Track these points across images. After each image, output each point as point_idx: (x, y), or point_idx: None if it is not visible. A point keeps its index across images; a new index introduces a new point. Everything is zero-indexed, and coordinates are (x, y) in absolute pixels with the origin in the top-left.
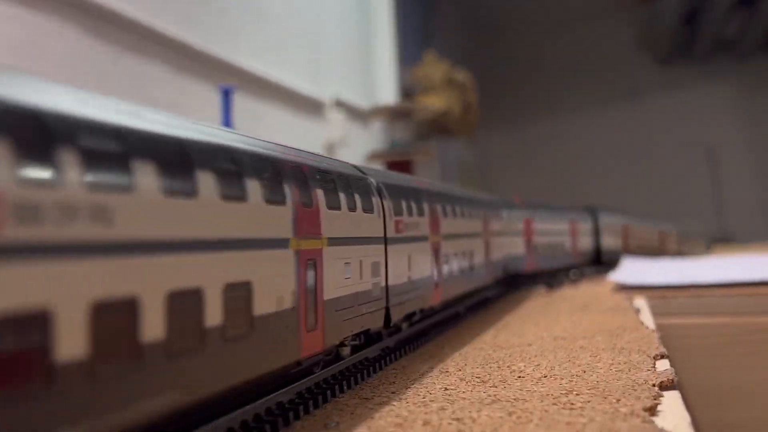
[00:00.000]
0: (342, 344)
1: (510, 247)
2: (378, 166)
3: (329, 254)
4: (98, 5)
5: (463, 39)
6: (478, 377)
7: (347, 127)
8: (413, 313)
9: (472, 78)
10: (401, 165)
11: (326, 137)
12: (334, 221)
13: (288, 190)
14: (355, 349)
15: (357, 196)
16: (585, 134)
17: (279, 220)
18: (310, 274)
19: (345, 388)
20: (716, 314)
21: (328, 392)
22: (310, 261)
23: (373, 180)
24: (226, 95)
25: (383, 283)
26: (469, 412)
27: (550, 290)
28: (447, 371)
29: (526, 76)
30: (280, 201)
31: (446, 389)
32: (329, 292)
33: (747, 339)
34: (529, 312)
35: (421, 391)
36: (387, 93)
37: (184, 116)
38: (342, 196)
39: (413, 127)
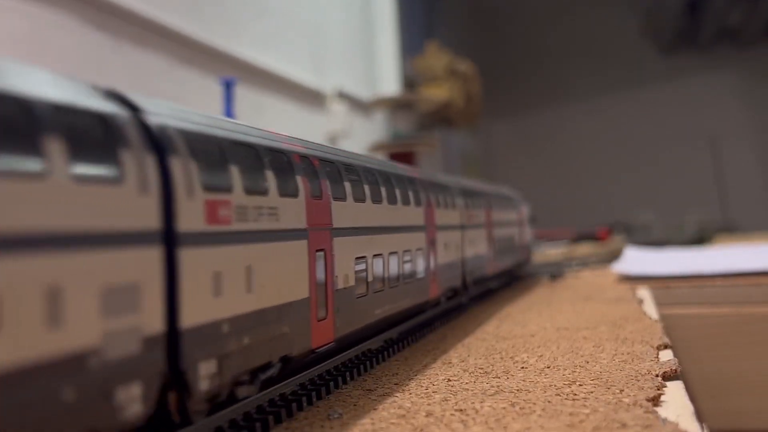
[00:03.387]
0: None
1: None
2: (380, 157)
3: (438, 236)
4: None
5: (465, 28)
6: (481, 368)
7: (349, 118)
8: (478, 278)
9: (474, 68)
10: (404, 156)
11: (328, 128)
12: (440, 215)
13: (423, 197)
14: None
15: (448, 198)
16: (587, 123)
17: (420, 216)
18: (432, 248)
19: (348, 379)
20: (719, 304)
21: (331, 383)
22: (431, 240)
23: (453, 185)
24: (228, 87)
25: (461, 257)
26: (472, 403)
27: (554, 280)
28: (450, 362)
29: (529, 65)
30: (420, 204)
31: (449, 380)
32: (438, 260)
33: (750, 329)
34: (532, 302)
35: (423, 383)
36: (389, 84)
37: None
38: (441, 198)
39: (415, 117)
